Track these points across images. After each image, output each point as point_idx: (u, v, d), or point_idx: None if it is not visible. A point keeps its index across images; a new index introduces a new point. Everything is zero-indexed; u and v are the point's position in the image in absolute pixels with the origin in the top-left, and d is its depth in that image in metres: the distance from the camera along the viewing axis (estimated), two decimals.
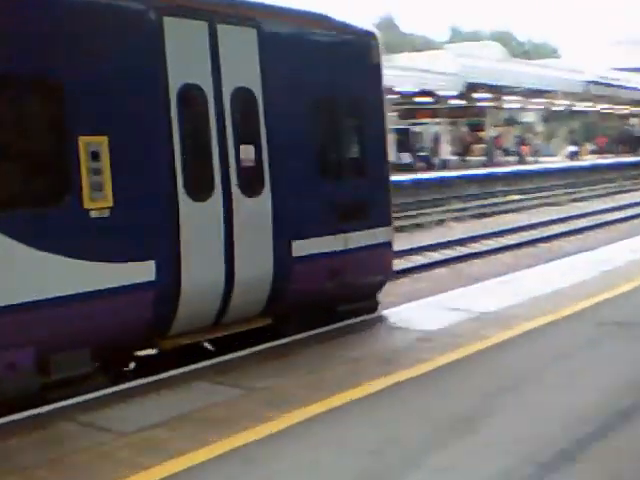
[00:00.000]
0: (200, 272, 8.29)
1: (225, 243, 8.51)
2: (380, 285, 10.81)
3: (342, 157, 10.13)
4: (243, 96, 8.80)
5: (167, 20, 8.01)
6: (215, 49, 8.47)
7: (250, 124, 8.93)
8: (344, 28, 10.34)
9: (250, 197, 8.79)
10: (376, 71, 10.62)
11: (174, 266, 8.02)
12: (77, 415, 6.81)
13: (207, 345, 9.38)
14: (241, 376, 7.83)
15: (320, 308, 9.88)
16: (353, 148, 10.54)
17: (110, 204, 7.47)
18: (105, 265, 7.45)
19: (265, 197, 8.95)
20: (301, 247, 9.37)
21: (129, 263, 7.65)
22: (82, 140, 7.25)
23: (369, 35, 10.59)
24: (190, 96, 8.28)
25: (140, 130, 7.81)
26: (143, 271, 7.75)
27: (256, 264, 8.87)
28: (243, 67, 8.83)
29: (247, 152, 8.82)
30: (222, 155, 8.49)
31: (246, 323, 9.06)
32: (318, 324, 9.76)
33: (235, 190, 8.60)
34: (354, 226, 10.10)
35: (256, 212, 8.87)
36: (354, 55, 10.29)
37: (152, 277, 7.84)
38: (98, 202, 7.37)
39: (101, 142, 7.39)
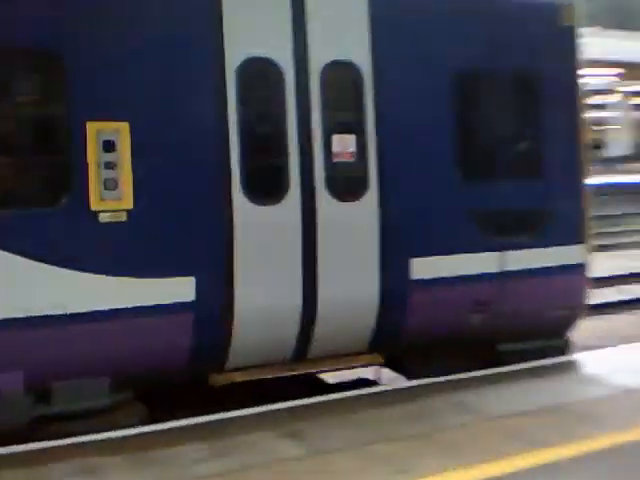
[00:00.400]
0: (264, 293, 6.62)
1: (304, 258, 6.74)
2: (567, 320, 8.17)
3: (499, 150, 7.72)
4: (342, 72, 6.94)
5: None
6: (300, 10, 6.73)
7: (351, 108, 7.04)
8: None
9: (346, 201, 6.91)
10: (566, 40, 8.03)
11: (224, 285, 6.45)
12: (448, 393, 6.94)
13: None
14: None
15: (465, 346, 7.63)
16: (520, 139, 8.05)
17: (128, 206, 6.13)
18: (120, 280, 6.11)
19: (369, 201, 6.98)
20: (427, 267, 7.24)
21: (155, 279, 6.24)
22: (91, 126, 5.99)
23: None
24: (258, 72, 6.64)
25: (179, 115, 6.34)
26: (176, 290, 6.29)
27: (352, 287, 6.95)
28: (344, 33, 6.95)
29: (343, 143, 6.94)
30: (303, 147, 6.72)
31: (345, 361, 7.16)
32: (465, 365, 7.54)
33: (321, 191, 6.78)
34: (518, 242, 7.66)
35: (355, 220, 6.95)
36: (527, 19, 7.83)
37: (190, 297, 6.34)
38: (110, 203, 6.06)
39: (118, 129, 6.06)
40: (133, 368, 6.30)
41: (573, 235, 8.03)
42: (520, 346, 7.91)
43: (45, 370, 5.98)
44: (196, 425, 6.27)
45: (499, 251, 7.57)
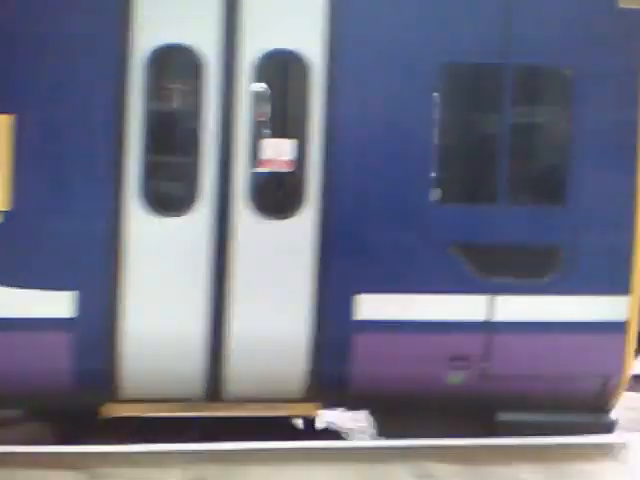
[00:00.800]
0: (160, 318, 5.71)
1: (211, 282, 5.71)
2: (601, 392, 6.26)
3: (497, 168, 5.99)
4: (283, 65, 5.78)
5: None
6: None
7: (292, 107, 5.85)
8: None
9: (273, 218, 5.75)
10: (621, 27, 6.10)
11: (111, 304, 5.64)
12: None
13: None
14: None
15: (454, 410, 6.12)
16: (532, 154, 6.23)
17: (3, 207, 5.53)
18: None
19: (304, 220, 5.76)
20: (376, 307, 5.85)
21: (31, 290, 5.59)
22: None
23: None
24: (173, 63, 5.73)
25: (70, 110, 5.58)
26: (54, 304, 5.60)
27: (275, 323, 5.78)
28: (290, 16, 5.75)
29: (277, 149, 5.77)
30: (222, 151, 5.67)
31: (273, 408, 6.00)
32: (461, 432, 6.07)
33: (240, 204, 5.69)
34: (516, 285, 5.98)
35: (283, 242, 5.77)
36: None
37: (70, 314, 5.62)
38: None
39: None
40: (9, 386, 5.73)
41: (610, 282, 6.12)
42: (528, 417, 6.21)
43: None
44: None
45: (490, 293, 5.96)
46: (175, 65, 5.85)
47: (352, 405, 6.21)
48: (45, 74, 5.55)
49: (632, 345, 6.23)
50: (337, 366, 5.90)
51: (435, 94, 5.87)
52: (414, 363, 5.97)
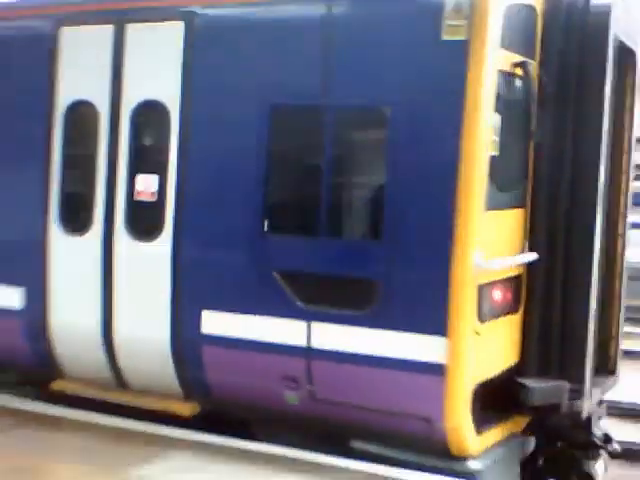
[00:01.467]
0: (73, 315, 7.23)
1: (103, 291, 7.05)
2: (430, 434, 5.98)
3: (319, 202, 6.10)
4: (151, 112, 6.81)
5: (65, 30, 7.15)
6: (119, 54, 6.92)
7: (157, 147, 6.84)
8: None
9: (143, 241, 6.84)
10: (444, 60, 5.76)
11: (44, 299, 7.33)
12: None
13: None
14: None
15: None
16: (352, 190, 6.13)
17: None
18: None
19: (163, 243, 6.74)
20: (218, 323, 6.56)
21: None
22: None
23: None
24: (80, 114, 7.14)
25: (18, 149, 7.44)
26: (10, 296, 7.48)
27: (145, 329, 6.90)
28: (157, 73, 6.78)
29: (146, 183, 6.83)
30: (109, 184, 6.97)
31: (162, 402, 7.05)
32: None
33: (121, 229, 6.93)
34: (333, 314, 6.13)
35: (150, 262, 6.83)
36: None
37: (20, 305, 7.47)
38: None
39: None
40: None
41: (425, 321, 5.87)
42: (379, 449, 6.27)
43: None
44: None
45: (308, 320, 6.22)
46: (81, 117, 7.27)
47: (221, 410, 6.94)
48: None
49: (459, 391, 5.87)
50: (195, 372, 6.77)
51: (266, 133, 6.35)
52: (255, 379, 6.54)
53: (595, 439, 7.15)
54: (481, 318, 5.93)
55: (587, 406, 6.58)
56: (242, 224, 6.48)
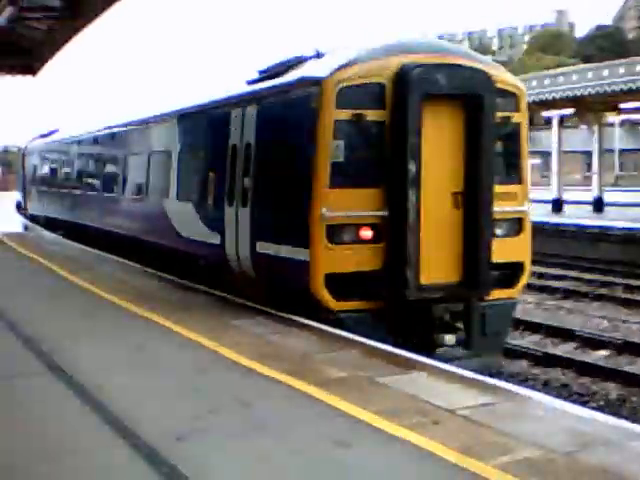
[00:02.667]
0: None
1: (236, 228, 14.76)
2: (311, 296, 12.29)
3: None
4: None
5: None
6: None
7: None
8: None
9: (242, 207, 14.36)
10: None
11: None
12: None
13: None
14: None
15: None
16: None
17: None
18: None
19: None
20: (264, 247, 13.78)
21: None
22: None
23: None
24: None
25: None
26: None
27: (244, 247, 14.38)
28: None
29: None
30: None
31: None
32: None
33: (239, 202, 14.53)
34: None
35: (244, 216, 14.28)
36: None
37: None
38: None
39: None
40: None
41: (303, 241, 12.29)
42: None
43: None
44: None
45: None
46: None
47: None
48: None
49: (316, 275, 12.13)
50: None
51: None
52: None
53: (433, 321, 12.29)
54: (331, 242, 12.02)
55: (412, 294, 11.96)
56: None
